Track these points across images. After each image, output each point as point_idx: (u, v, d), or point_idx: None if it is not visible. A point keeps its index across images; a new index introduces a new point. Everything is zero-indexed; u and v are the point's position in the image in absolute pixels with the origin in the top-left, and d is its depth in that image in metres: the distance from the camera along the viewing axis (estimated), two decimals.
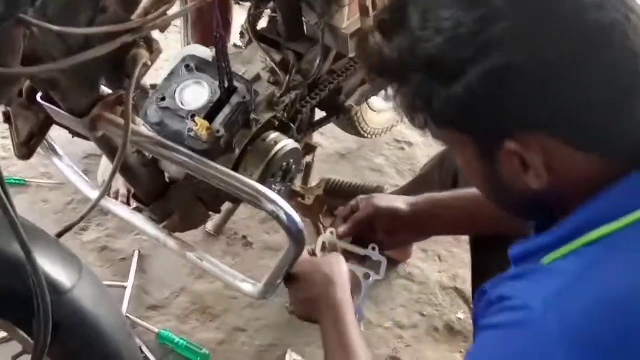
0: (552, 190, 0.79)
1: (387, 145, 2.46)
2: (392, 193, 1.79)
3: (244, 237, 2.05)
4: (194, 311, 1.83)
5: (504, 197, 0.88)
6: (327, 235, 1.30)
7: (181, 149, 1.20)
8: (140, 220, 1.47)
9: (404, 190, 1.76)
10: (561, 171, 0.78)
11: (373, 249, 1.28)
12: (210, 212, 1.56)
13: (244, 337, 1.78)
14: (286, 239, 1.14)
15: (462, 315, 1.86)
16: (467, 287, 1.92)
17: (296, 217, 1.12)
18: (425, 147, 2.46)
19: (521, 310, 0.74)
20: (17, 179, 2.13)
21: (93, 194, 1.43)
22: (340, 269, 1.16)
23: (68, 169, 1.55)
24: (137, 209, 1.47)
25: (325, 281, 1.13)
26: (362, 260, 1.29)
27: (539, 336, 0.71)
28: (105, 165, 1.83)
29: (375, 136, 2.33)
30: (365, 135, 2.25)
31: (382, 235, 1.29)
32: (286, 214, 1.11)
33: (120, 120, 1.12)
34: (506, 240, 0.90)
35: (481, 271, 1.30)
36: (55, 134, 1.53)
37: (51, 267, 1.06)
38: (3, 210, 0.89)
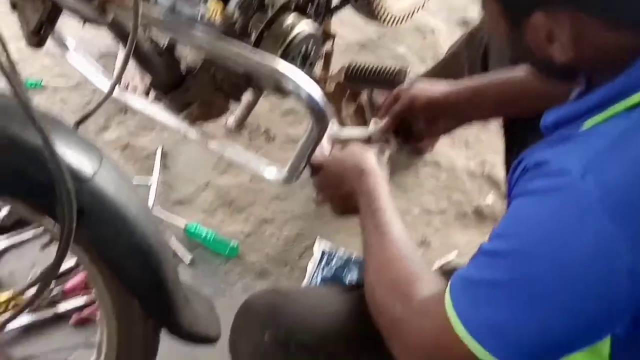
0: (578, 64, 0.77)
1: (409, 33, 2.38)
2: (421, 75, 1.74)
3: (266, 130, 2.02)
4: (220, 205, 1.83)
5: (530, 61, 0.86)
6: (371, 127, 1.28)
7: (195, 30, 1.15)
8: (159, 112, 1.44)
9: (433, 72, 1.71)
10: (588, 49, 0.75)
11: (375, 123, 1.27)
12: (230, 102, 1.53)
13: (271, 228, 1.78)
14: (308, 118, 1.11)
15: (491, 200, 1.84)
16: (496, 172, 1.90)
17: (318, 94, 1.08)
18: (448, 34, 2.38)
19: (559, 175, 0.71)
20: (34, 82, 2.10)
21: (108, 86, 1.40)
22: (367, 156, 1.11)
23: (83, 64, 1.51)
24: (156, 100, 1.44)
25: (356, 170, 1.08)
26: (369, 140, 1.27)
27: (577, 199, 0.69)
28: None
29: (396, 24, 2.24)
30: (386, 22, 2.17)
31: (422, 124, 1.26)
32: (308, 91, 1.07)
33: (130, 1, 1.07)
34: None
35: (514, 150, 1.27)
36: (70, 33, 1.50)
37: (71, 154, 1.04)
38: (16, 95, 0.87)
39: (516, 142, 1.27)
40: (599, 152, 0.71)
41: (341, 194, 1.12)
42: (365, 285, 0.94)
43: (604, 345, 0.76)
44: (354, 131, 1.31)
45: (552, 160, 0.74)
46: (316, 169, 1.19)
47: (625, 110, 0.73)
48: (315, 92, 1.08)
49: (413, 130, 1.28)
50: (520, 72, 1.16)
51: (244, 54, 1.11)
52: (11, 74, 0.85)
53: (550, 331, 0.71)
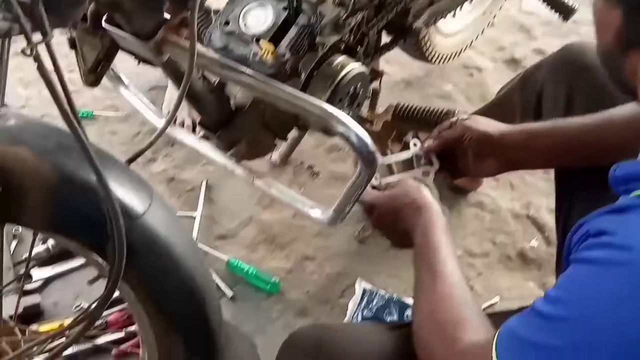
0: None
1: (455, 71, 2.37)
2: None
3: (311, 167, 2.03)
4: (262, 240, 1.83)
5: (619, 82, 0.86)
6: (412, 148, 1.28)
7: (247, 71, 1.16)
8: (207, 149, 1.46)
9: (483, 112, 1.69)
10: None
11: (414, 145, 1.26)
12: (276, 141, 1.54)
13: (313, 265, 1.77)
14: (357, 162, 1.11)
15: (535, 243, 1.81)
16: (541, 215, 1.87)
17: (367, 138, 1.09)
18: (495, 73, 2.38)
19: (621, 250, 0.69)
20: (85, 112, 2.15)
21: (159, 123, 1.43)
22: (421, 191, 1.12)
23: (135, 99, 1.55)
24: (204, 137, 1.46)
25: (413, 205, 1.08)
26: (411, 165, 1.27)
27: (637, 282, 0.66)
28: (170, 97, 1.82)
29: (443, 62, 2.25)
30: (433, 60, 2.18)
31: (470, 159, 1.24)
32: (357, 135, 1.08)
33: (186, 43, 1.10)
34: (596, 175, 0.85)
35: (567, 205, 1.24)
36: (121, 66, 1.53)
37: (123, 192, 1.05)
38: (74, 134, 0.88)
39: (565, 196, 1.25)
40: None
41: (398, 231, 1.12)
42: (413, 322, 0.94)
43: None
44: (398, 156, 1.31)
45: (615, 231, 0.71)
46: (370, 208, 1.19)
47: None
48: (364, 135, 1.09)
49: (458, 165, 1.26)
50: (580, 122, 1.15)
51: (294, 97, 1.12)
52: (69, 110, 0.87)
53: None
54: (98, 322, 1.57)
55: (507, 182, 1.98)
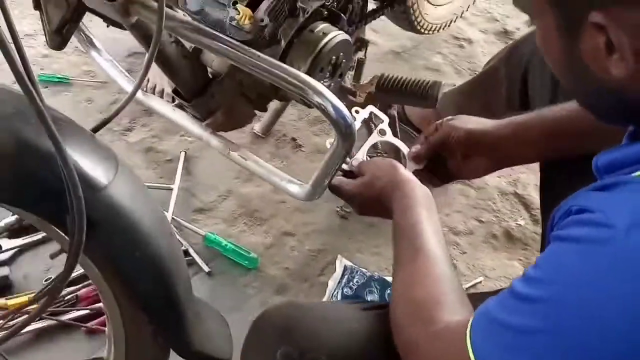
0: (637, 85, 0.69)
1: (445, 43, 2.31)
2: (456, 89, 1.67)
3: (294, 139, 1.97)
4: (241, 215, 1.78)
5: (582, 84, 0.77)
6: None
7: (221, 36, 1.10)
8: (182, 118, 1.40)
9: (468, 87, 1.64)
10: None
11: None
12: (256, 111, 1.48)
13: (293, 241, 1.72)
14: (334, 134, 1.05)
15: (522, 221, 1.77)
16: (528, 193, 1.82)
17: (345, 110, 1.03)
18: (486, 45, 2.32)
19: (603, 228, 0.65)
20: (61, 77, 2.07)
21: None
22: (392, 168, 1.09)
23: (107, 64, 1.48)
24: (179, 106, 1.40)
25: (391, 176, 1.06)
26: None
27: (620, 255, 0.63)
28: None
29: (433, 32, 2.18)
30: (422, 31, 2.11)
31: (459, 160, 1.19)
32: (334, 106, 1.02)
33: (154, 4, 1.03)
34: (582, 163, 0.80)
35: (552, 193, 1.19)
36: (97, 31, 1.46)
37: (85, 162, 1.00)
38: (28, 97, 0.82)
39: (550, 185, 1.20)
40: None
41: (372, 194, 1.08)
42: (390, 299, 0.90)
43: None
44: (395, 140, 1.27)
45: (598, 208, 0.68)
46: (349, 199, 1.15)
47: None
48: (342, 107, 1.03)
49: (448, 168, 1.21)
50: (566, 108, 1.09)
51: (269, 66, 1.06)
52: (25, 74, 0.81)
53: None
54: (68, 297, 1.52)
55: None
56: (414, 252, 0.92)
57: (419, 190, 1.02)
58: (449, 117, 1.20)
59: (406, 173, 1.07)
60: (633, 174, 0.70)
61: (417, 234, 0.94)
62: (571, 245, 0.68)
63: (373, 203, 1.09)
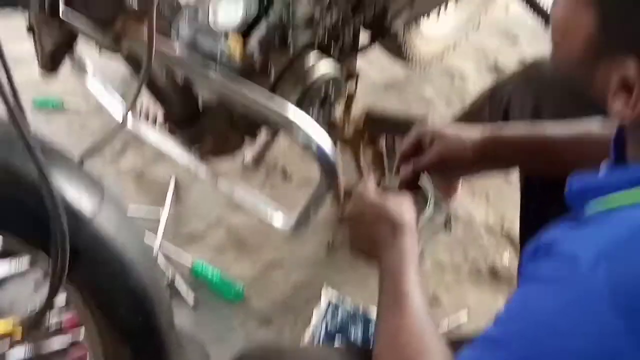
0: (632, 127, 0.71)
1: (437, 76, 2.33)
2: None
3: (284, 169, 1.98)
4: (230, 244, 1.78)
5: (575, 83, 0.77)
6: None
7: (210, 69, 1.11)
8: (172, 146, 1.41)
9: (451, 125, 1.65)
10: None
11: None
12: (246, 140, 1.49)
13: (279, 272, 1.72)
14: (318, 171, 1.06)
15: (507, 258, 1.77)
16: (515, 229, 1.83)
17: (329, 147, 1.03)
18: (477, 79, 2.33)
19: (569, 262, 0.66)
20: (55, 101, 2.08)
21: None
22: (410, 214, 1.02)
23: (100, 89, 1.49)
24: (169, 132, 1.41)
25: (393, 225, 1.00)
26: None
27: (585, 291, 0.63)
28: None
29: (425, 65, 2.20)
30: (415, 63, 2.13)
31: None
32: (318, 145, 1.02)
33: (145, 35, 1.04)
34: (562, 187, 0.81)
35: (531, 217, 1.20)
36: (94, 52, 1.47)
37: (72, 192, 1.00)
38: (15, 126, 0.83)
39: (530, 208, 1.21)
40: (614, 242, 0.65)
41: (368, 234, 1.03)
42: (373, 349, 0.89)
43: None
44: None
45: (564, 242, 0.68)
46: (349, 195, 1.10)
47: None
48: (326, 144, 1.04)
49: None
50: (548, 127, 1.10)
51: (256, 100, 1.07)
52: (12, 102, 0.82)
53: None
54: (53, 323, 1.51)
55: (483, 193, 1.94)
56: (399, 305, 0.91)
57: (415, 242, 1.00)
58: (431, 129, 1.16)
59: (410, 220, 1.01)
60: (604, 202, 0.70)
61: (405, 289, 0.92)
62: (538, 284, 0.69)
63: (369, 215, 1.04)
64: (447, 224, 1.31)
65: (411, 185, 1.18)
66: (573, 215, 0.76)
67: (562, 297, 0.65)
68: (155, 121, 1.60)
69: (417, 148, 1.16)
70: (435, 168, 1.15)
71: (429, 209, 1.20)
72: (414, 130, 1.16)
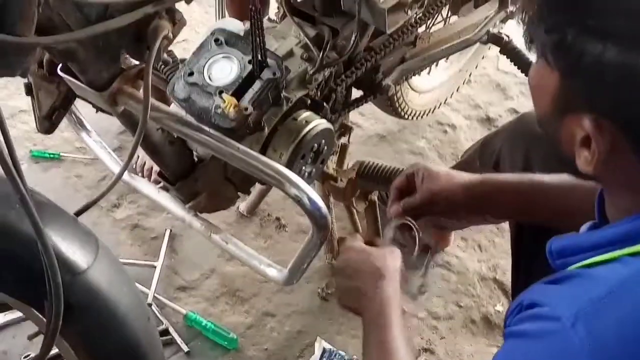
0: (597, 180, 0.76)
1: (429, 127, 2.37)
2: None
3: (278, 219, 1.99)
4: (223, 294, 1.79)
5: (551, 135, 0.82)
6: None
7: (202, 127, 1.14)
8: (166, 200, 1.43)
9: None
10: (613, 174, 0.74)
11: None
12: (239, 193, 1.51)
13: (273, 322, 1.73)
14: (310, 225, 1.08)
15: (500, 307, 1.78)
16: (508, 279, 1.84)
17: (320, 202, 1.06)
18: (469, 131, 2.37)
19: (550, 321, 0.69)
20: (52, 153, 2.11)
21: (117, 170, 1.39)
22: (394, 264, 1.05)
23: (96, 145, 1.52)
24: (164, 188, 1.43)
25: (375, 274, 1.02)
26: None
27: (565, 348, 0.66)
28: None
29: (417, 118, 2.24)
30: (406, 116, 2.17)
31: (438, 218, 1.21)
32: (309, 198, 1.05)
33: (141, 95, 1.07)
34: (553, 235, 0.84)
35: (522, 268, 1.23)
36: (89, 109, 1.50)
37: (66, 246, 1.03)
38: (12, 183, 0.85)
39: (521, 259, 1.23)
40: (593, 300, 0.67)
41: (353, 286, 1.05)
42: None
43: None
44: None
45: (545, 302, 0.71)
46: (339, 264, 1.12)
47: (630, 254, 0.70)
48: (317, 200, 1.06)
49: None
50: (539, 175, 1.13)
51: (249, 159, 1.09)
52: (8, 158, 0.84)
53: None
54: None
55: (475, 242, 1.96)
56: (384, 356, 0.93)
57: (398, 294, 1.01)
58: (423, 168, 1.18)
59: (395, 272, 1.03)
60: (582, 262, 0.73)
61: (389, 339, 0.94)
62: (519, 341, 0.71)
63: (353, 268, 1.06)
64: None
65: (402, 227, 1.20)
66: (554, 272, 0.79)
67: (546, 352, 0.67)
68: (150, 176, 1.64)
69: (410, 187, 1.18)
70: (425, 206, 1.16)
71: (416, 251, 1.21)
72: (407, 168, 1.19)
